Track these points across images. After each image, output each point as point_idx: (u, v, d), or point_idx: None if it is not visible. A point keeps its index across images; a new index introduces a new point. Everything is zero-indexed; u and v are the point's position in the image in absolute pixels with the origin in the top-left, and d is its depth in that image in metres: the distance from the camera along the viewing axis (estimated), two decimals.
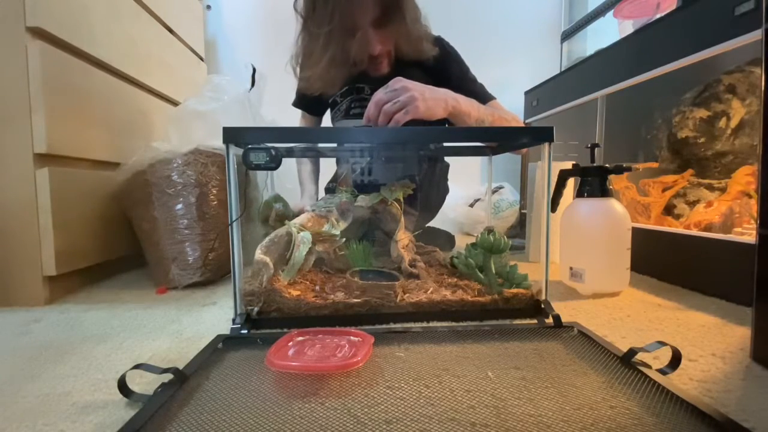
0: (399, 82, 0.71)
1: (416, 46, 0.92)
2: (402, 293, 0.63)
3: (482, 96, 0.96)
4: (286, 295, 0.59)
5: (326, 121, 1.19)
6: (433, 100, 0.72)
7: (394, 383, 0.41)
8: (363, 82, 1.01)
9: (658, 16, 1.23)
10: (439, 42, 1.00)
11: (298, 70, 0.97)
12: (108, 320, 0.66)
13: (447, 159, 1.18)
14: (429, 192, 1.07)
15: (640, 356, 0.44)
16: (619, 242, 0.74)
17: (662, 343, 0.44)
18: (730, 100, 0.90)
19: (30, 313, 0.71)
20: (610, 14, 1.41)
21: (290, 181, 1.18)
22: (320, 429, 0.33)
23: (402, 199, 0.83)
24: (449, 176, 1.20)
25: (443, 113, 0.75)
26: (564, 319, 0.57)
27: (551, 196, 0.79)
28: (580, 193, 0.78)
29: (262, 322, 0.59)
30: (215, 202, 0.87)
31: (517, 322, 0.61)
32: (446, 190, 1.19)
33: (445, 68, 0.98)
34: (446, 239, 1.21)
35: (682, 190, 0.97)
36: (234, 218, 0.57)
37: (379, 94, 0.70)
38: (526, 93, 1.57)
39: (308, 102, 1.11)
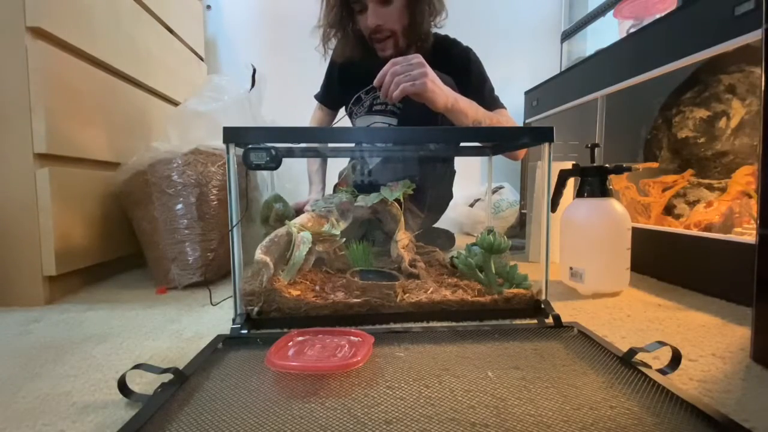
0: (417, 58, 0.74)
1: (413, 33, 0.97)
2: (402, 293, 0.63)
3: (490, 101, 0.99)
4: (286, 295, 0.59)
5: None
6: (440, 88, 0.76)
7: (394, 383, 0.41)
8: None
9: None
10: (466, 51, 1.05)
11: (323, 41, 1.02)
12: (108, 320, 0.66)
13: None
14: (436, 194, 1.08)
15: (640, 356, 0.44)
16: (619, 242, 0.74)
17: (662, 343, 0.44)
18: (730, 100, 0.90)
19: (30, 313, 0.71)
20: (610, 14, 1.41)
21: (290, 181, 1.17)
22: (320, 429, 0.33)
23: (402, 199, 0.83)
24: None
25: (443, 104, 0.77)
26: (564, 319, 0.57)
27: (551, 196, 0.79)
28: (580, 193, 0.78)
29: (262, 322, 0.58)
30: (215, 202, 0.87)
31: (517, 322, 0.61)
32: (450, 196, 1.19)
33: (465, 70, 1.02)
34: (446, 238, 1.21)
35: (682, 190, 0.97)
36: (234, 218, 0.57)
37: (396, 64, 0.73)
38: (526, 93, 1.57)
39: (331, 95, 1.17)
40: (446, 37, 1.08)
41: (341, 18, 0.98)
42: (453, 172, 1.18)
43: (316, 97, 1.21)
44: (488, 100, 0.99)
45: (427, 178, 1.00)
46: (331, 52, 1.04)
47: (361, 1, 0.93)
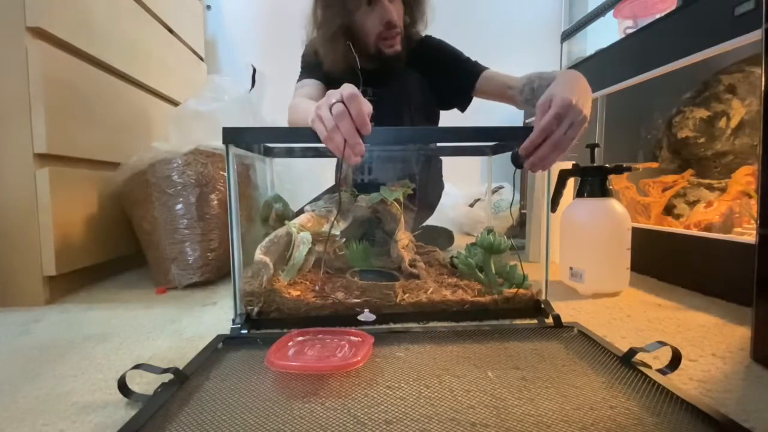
0: (562, 99, 0.54)
1: (411, 30, 0.96)
2: (402, 293, 0.63)
3: (475, 67, 0.97)
4: (286, 295, 0.59)
5: None
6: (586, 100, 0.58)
7: (394, 383, 0.41)
8: (366, 85, 1.00)
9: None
10: (428, 39, 1.03)
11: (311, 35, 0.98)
12: (108, 320, 0.66)
13: (444, 157, 1.17)
14: (424, 190, 1.07)
15: (640, 356, 0.44)
16: (619, 242, 0.74)
17: (662, 343, 0.44)
18: (730, 100, 0.90)
19: (30, 313, 0.71)
20: (610, 14, 1.41)
21: (290, 182, 1.18)
22: (320, 429, 0.33)
23: (402, 199, 0.83)
24: (445, 175, 1.20)
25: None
26: (564, 319, 0.57)
27: (551, 196, 0.79)
28: (580, 193, 0.78)
29: (262, 323, 0.58)
30: (215, 202, 0.87)
31: (517, 322, 0.61)
32: (441, 187, 1.19)
33: (437, 58, 1.00)
34: (445, 236, 1.21)
35: (682, 190, 0.97)
36: (234, 218, 0.57)
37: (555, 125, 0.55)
38: None
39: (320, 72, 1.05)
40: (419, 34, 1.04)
41: (344, 23, 0.91)
42: (439, 161, 1.17)
43: (304, 76, 1.04)
44: (474, 67, 0.97)
45: (414, 173, 0.98)
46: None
47: None
